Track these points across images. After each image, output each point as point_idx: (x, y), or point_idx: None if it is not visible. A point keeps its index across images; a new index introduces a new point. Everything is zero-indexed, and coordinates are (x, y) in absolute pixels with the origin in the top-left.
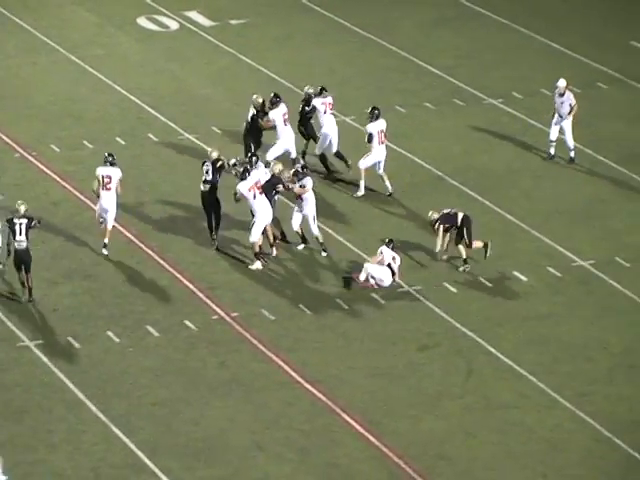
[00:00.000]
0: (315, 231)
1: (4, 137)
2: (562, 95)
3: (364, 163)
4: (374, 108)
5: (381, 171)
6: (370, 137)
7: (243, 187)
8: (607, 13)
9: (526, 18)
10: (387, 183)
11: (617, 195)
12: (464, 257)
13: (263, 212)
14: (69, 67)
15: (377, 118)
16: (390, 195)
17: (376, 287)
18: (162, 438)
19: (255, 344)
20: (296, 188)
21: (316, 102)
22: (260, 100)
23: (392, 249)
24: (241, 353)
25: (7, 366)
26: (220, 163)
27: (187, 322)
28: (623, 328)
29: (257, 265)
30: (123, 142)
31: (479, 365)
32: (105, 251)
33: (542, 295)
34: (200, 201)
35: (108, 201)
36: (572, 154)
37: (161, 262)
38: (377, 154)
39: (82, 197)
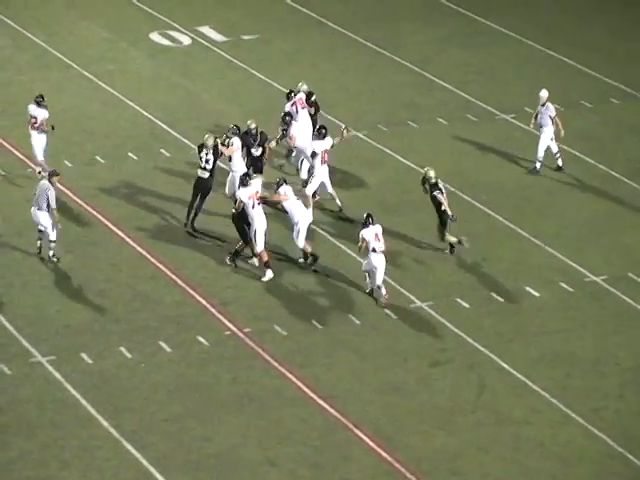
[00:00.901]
0: (300, 244)
1: (17, 153)
2: (543, 105)
3: (310, 189)
4: (321, 127)
5: (330, 189)
6: (313, 154)
7: (244, 194)
8: (620, 28)
9: (538, 33)
10: (337, 200)
11: (629, 210)
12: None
13: (261, 221)
14: (82, 83)
15: (324, 137)
16: (341, 210)
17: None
18: (174, 454)
19: (268, 360)
20: (275, 196)
21: (287, 107)
22: (305, 87)
23: (372, 224)
24: (253, 369)
25: (19, 382)
26: (214, 143)
27: (200, 338)
28: (635, 343)
29: (269, 275)
30: (136, 157)
31: (491, 381)
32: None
33: (554, 310)
34: (192, 186)
35: (37, 139)
36: (538, 165)
37: (173, 278)
38: (320, 175)
39: (94, 212)
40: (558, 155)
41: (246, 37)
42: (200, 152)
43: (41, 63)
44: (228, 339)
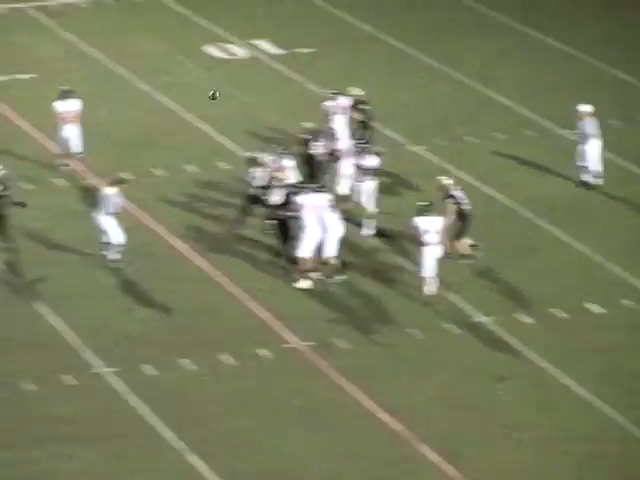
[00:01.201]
0: (329, 252)
1: (79, 163)
2: (583, 119)
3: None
4: (366, 142)
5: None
6: (363, 170)
7: (303, 199)
8: None
9: (596, 49)
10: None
11: None
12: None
13: (314, 228)
14: (138, 95)
15: (369, 154)
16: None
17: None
18: (238, 466)
19: (330, 373)
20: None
21: (325, 105)
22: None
23: (430, 214)
24: (316, 382)
25: (84, 392)
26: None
27: (262, 351)
28: None
29: (306, 284)
30: (193, 170)
31: (555, 397)
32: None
33: (618, 327)
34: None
35: (74, 132)
36: (595, 181)
37: (235, 290)
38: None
39: (155, 224)
40: (585, 169)
41: (303, 51)
42: (251, 168)
43: (96, 75)
44: (290, 352)
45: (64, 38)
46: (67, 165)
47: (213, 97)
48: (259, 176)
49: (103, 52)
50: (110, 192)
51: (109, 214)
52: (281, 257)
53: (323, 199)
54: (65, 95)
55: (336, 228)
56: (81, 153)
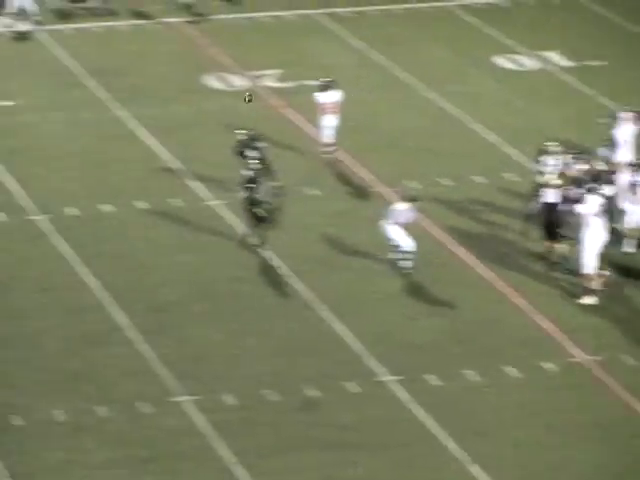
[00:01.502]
0: (584, 267)
1: (365, 170)
2: None
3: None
4: None
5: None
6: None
7: (585, 209)
8: None
9: None
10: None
11: None
12: None
13: (593, 238)
14: (425, 103)
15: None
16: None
17: None
18: None
19: (617, 390)
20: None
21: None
22: None
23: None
24: (602, 398)
25: (367, 401)
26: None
27: (546, 364)
28: None
29: (591, 300)
30: (479, 180)
31: None
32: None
33: None
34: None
35: (332, 122)
36: None
37: (519, 301)
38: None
39: (436, 235)
40: None
41: (593, 63)
42: (541, 156)
43: (384, 83)
44: (576, 366)
45: (353, 45)
46: (331, 154)
47: (249, 100)
48: (551, 164)
49: (391, 60)
50: (402, 207)
51: (398, 224)
52: (557, 267)
53: (595, 203)
54: (326, 86)
55: (601, 234)
56: (333, 144)
